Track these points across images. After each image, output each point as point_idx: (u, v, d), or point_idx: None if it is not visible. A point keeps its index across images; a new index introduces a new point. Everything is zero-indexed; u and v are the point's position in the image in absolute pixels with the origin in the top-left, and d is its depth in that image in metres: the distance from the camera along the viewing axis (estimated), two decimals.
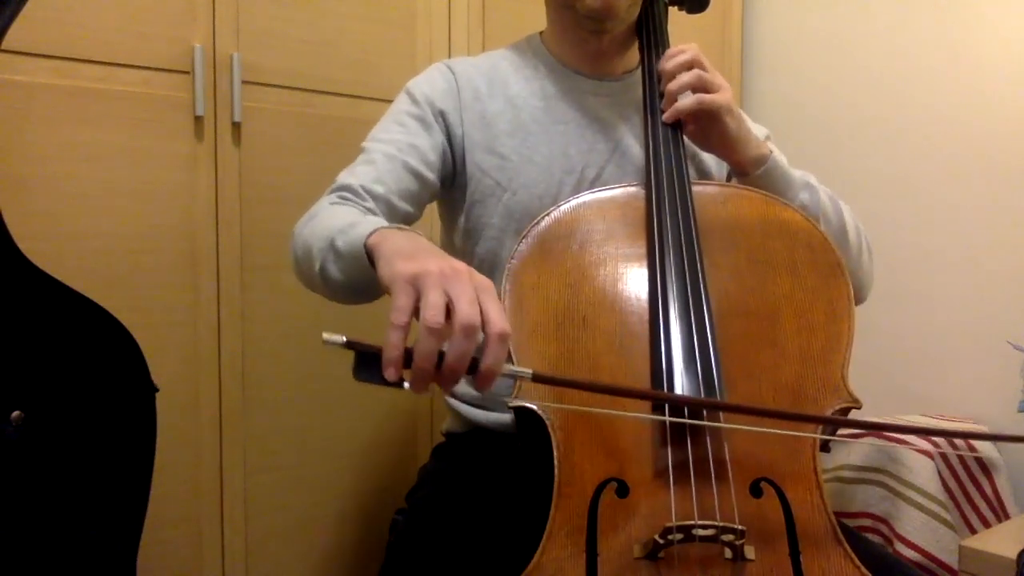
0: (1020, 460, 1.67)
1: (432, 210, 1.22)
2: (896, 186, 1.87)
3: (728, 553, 0.76)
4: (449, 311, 0.69)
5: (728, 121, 1.02)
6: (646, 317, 0.89)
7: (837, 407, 0.86)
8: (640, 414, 0.82)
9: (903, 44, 1.87)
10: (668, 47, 1.09)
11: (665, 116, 1.03)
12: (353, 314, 1.02)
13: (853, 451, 1.61)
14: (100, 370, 0.93)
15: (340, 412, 1.45)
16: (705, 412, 0.82)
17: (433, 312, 0.68)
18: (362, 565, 1.49)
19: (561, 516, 0.79)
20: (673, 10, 1.20)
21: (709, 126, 1.03)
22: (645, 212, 0.97)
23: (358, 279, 0.88)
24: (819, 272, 0.93)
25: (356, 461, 1.48)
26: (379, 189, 1.02)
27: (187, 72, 1.25)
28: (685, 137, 1.04)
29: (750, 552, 0.76)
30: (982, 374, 1.75)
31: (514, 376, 0.75)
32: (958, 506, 1.59)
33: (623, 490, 0.80)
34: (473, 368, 0.70)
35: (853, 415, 0.88)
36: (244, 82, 1.30)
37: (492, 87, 1.13)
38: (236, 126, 1.30)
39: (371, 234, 0.83)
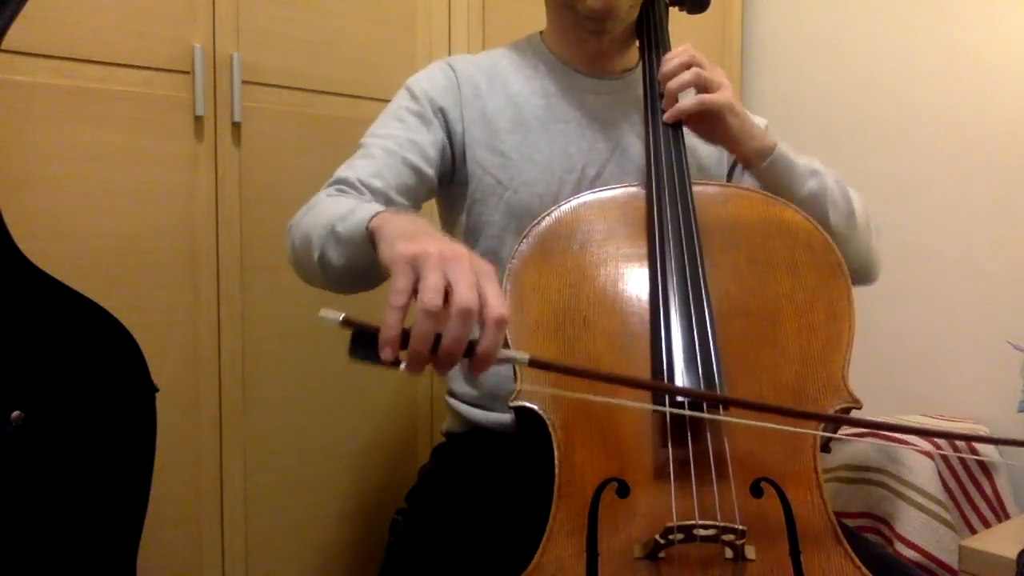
0: (1020, 460, 1.67)
1: (432, 209, 1.22)
2: (896, 186, 1.87)
3: (729, 553, 0.76)
4: (448, 294, 0.68)
5: (731, 120, 1.02)
6: (647, 317, 0.89)
7: (837, 407, 0.86)
8: (641, 403, 0.82)
9: (903, 44, 1.87)
10: (668, 47, 1.09)
11: (666, 117, 1.03)
12: (351, 308, 1.01)
13: (853, 451, 1.61)
14: (100, 370, 0.93)
15: (340, 412, 1.45)
16: (706, 406, 0.82)
17: (431, 295, 0.67)
18: (362, 565, 1.49)
19: (562, 516, 0.79)
20: (673, 10, 1.20)
21: (712, 125, 1.03)
22: (646, 212, 0.97)
23: (359, 264, 0.88)
24: (819, 272, 0.93)
25: (356, 461, 1.48)
26: (377, 183, 1.02)
27: (187, 72, 1.25)
28: (686, 129, 1.04)
29: (751, 552, 0.76)
30: (982, 374, 1.75)
31: (511, 361, 0.73)
32: (958, 506, 1.59)
33: (624, 490, 0.81)
34: (470, 352, 0.69)
35: (853, 415, 0.88)
36: (244, 82, 1.30)
37: (492, 85, 1.13)
38: (236, 126, 1.30)
39: (373, 217, 0.83)
